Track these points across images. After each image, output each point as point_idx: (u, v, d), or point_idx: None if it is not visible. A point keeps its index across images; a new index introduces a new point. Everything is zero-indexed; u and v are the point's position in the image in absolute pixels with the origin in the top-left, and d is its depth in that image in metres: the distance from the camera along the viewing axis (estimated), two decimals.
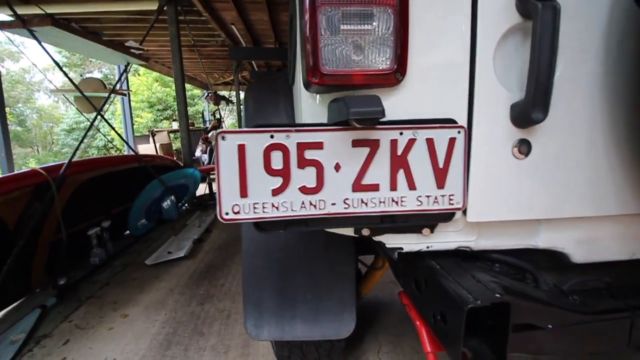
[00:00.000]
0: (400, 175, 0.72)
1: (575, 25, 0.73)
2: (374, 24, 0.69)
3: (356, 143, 0.70)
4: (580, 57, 0.74)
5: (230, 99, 9.67)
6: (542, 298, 0.77)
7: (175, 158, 6.32)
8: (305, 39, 0.69)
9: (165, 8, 4.04)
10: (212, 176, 5.51)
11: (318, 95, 0.78)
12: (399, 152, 0.72)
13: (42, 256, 2.48)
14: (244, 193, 0.69)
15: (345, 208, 0.73)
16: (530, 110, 0.69)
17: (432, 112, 0.74)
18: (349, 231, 0.85)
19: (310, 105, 0.79)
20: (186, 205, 4.62)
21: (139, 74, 16.69)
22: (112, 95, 3.74)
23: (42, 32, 2.65)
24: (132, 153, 4.23)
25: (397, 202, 0.73)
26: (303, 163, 0.70)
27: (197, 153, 8.61)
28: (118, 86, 4.12)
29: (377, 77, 0.71)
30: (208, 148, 8.53)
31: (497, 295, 0.66)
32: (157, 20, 3.93)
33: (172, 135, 9.87)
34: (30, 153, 18.39)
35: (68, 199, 2.66)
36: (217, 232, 3.91)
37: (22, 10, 2.76)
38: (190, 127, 6.27)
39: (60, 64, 3.02)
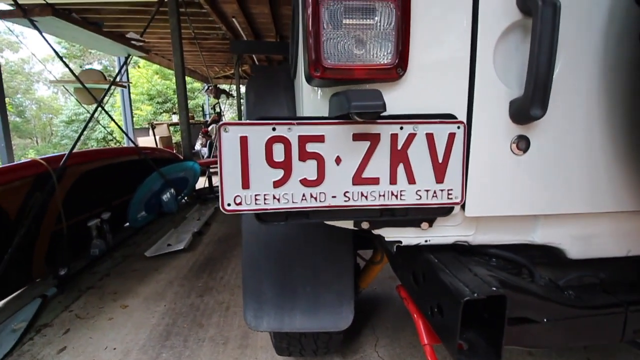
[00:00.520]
0: (400, 169, 0.73)
1: (575, 22, 0.73)
2: (376, 18, 0.69)
3: (357, 137, 0.71)
4: (579, 54, 0.75)
5: (230, 92, 9.63)
6: (537, 292, 0.79)
7: (175, 151, 6.32)
8: (307, 32, 0.69)
9: (166, 0, 4.01)
10: (211, 169, 5.51)
11: (319, 89, 0.79)
12: (399, 147, 0.72)
13: (43, 246, 2.49)
14: (245, 184, 0.70)
15: (345, 201, 0.74)
16: (529, 106, 0.70)
17: (432, 107, 0.75)
18: (348, 224, 0.86)
19: (311, 99, 0.80)
20: (186, 198, 4.63)
21: (138, 66, 16.59)
22: (112, 87, 3.73)
23: (42, 22, 2.64)
24: (131, 145, 4.23)
25: (396, 196, 0.75)
26: (304, 156, 0.71)
27: (197, 146, 8.60)
28: (118, 78, 4.11)
29: (379, 72, 0.72)
30: (208, 141, 8.52)
31: (494, 289, 0.68)
32: (157, 12, 3.90)
33: (171, 128, 9.85)
34: (30, 144, 18.35)
35: (68, 190, 2.67)
36: (217, 225, 3.93)
37: (23, 0, 2.75)
38: (190, 121, 6.26)
39: (60, 55, 3.00)
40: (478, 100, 0.75)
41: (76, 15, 3.04)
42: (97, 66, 17.63)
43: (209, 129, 8.62)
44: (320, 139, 0.71)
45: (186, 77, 5.34)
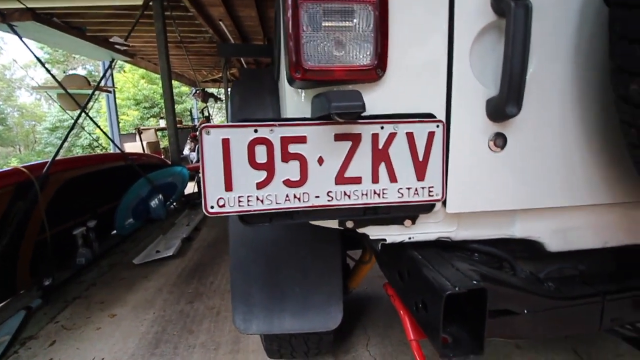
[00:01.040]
0: (382, 168, 0.75)
1: (547, 23, 0.76)
2: (355, 20, 0.71)
3: (338, 137, 0.72)
4: (552, 54, 0.78)
5: (218, 96, 9.57)
6: (517, 285, 0.81)
7: (163, 156, 6.24)
8: (288, 35, 0.70)
9: (150, 3, 3.98)
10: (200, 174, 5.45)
11: (302, 91, 0.80)
12: (380, 146, 0.74)
13: (26, 256, 2.43)
14: (228, 187, 0.70)
15: (328, 200, 0.75)
16: (504, 105, 0.72)
17: (412, 107, 0.76)
18: (333, 223, 0.87)
19: (294, 101, 0.81)
20: (174, 204, 4.58)
21: (124, 71, 16.37)
22: (97, 92, 3.67)
23: (22, 27, 2.58)
24: (117, 151, 4.17)
25: (379, 195, 0.76)
26: (287, 157, 0.72)
27: (186, 151, 8.52)
28: (103, 83, 4.05)
29: (358, 73, 0.73)
30: (196, 146, 8.45)
31: (474, 282, 0.69)
32: (142, 16, 3.87)
33: (159, 133, 9.73)
34: (12, 152, 17.89)
35: (52, 198, 2.62)
36: (206, 231, 3.90)
37: (1, 4, 2.69)
38: (178, 125, 6.21)
39: (43, 60, 2.95)
40: (456, 100, 0.77)
41: (58, 20, 2.98)
42: (81, 71, 17.32)
43: (198, 133, 8.54)
44: (302, 139, 0.72)
45: (173, 81, 5.29)
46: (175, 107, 4.83)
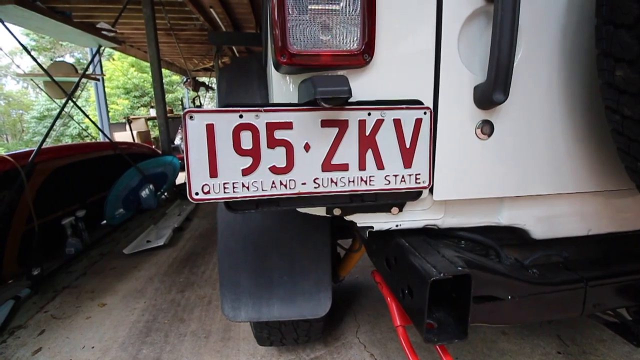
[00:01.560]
0: (369, 155, 0.74)
1: (535, 9, 0.75)
2: (342, 4, 0.69)
3: (325, 123, 0.71)
4: (539, 41, 0.77)
5: (210, 85, 9.43)
6: (502, 271, 0.82)
7: (154, 146, 6.16)
8: (273, 18, 0.69)
9: None
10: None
11: (289, 77, 0.78)
12: (367, 133, 0.73)
13: (13, 246, 2.40)
14: (213, 173, 0.69)
15: (315, 187, 0.74)
16: (491, 91, 0.71)
17: (399, 93, 0.76)
18: (321, 211, 0.87)
19: (281, 87, 0.80)
20: (165, 194, 4.54)
21: (113, 59, 16.00)
22: (85, 80, 3.58)
23: (4, 11, 2.50)
24: (107, 140, 4.10)
25: (365, 182, 0.75)
26: (273, 143, 0.71)
27: (177, 141, 8.42)
28: (91, 70, 3.95)
29: (345, 58, 0.72)
30: None
31: (459, 268, 0.70)
32: (130, 2, 3.76)
33: (150, 122, 9.58)
34: None
35: (39, 188, 2.57)
36: (198, 221, 3.88)
37: None
38: (170, 115, 6.11)
39: (29, 48, 2.86)
40: (443, 86, 0.77)
41: (41, 4, 2.88)
42: (69, 59, 16.88)
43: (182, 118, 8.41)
44: (288, 125, 0.71)
45: (164, 69, 5.18)
46: (166, 96, 4.75)
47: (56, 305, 2.21)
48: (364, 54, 0.72)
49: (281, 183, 0.73)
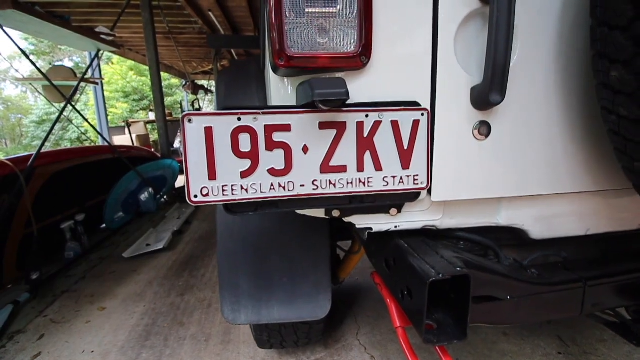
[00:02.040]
0: (367, 156, 0.75)
1: (531, 10, 0.76)
2: (339, 6, 0.70)
3: (323, 125, 0.72)
4: (535, 42, 0.78)
5: (209, 88, 9.45)
6: (501, 271, 0.82)
7: (153, 150, 6.16)
8: (270, 21, 0.69)
9: None
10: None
11: (287, 79, 0.79)
12: (365, 134, 0.73)
13: (12, 251, 2.40)
14: (212, 176, 0.70)
15: (314, 189, 0.74)
16: (488, 93, 0.72)
17: (397, 95, 0.76)
18: (320, 213, 0.87)
19: (279, 89, 0.80)
20: (165, 197, 4.54)
21: (112, 63, 16.03)
22: (84, 84, 3.59)
23: (3, 16, 2.51)
24: (106, 144, 4.10)
25: (364, 183, 0.76)
26: (271, 145, 0.71)
27: (176, 144, 8.41)
28: (90, 74, 3.96)
29: (343, 60, 0.72)
30: None
31: (458, 269, 0.70)
32: (129, 6, 3.77)
33: (149, 126, 9.58)
34: None
35: (38, 192, 2.57)
36: (198, 224, 3.88)
37: None
38: (169, 118, 6.12)
39: (27, 52, 2.87)
40: (441, 88, 0.77)
41: (40, 9, 2.90)
42: (68, 63, 16.93)
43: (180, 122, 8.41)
44: (286, 128, 0.71)
45: (163, 73, 5.20)
46: (165, 99, 4.76)
47: (55, 309, 2.21)
48: (361, 56, 0.72)
49: (280, 185, 0.73)
